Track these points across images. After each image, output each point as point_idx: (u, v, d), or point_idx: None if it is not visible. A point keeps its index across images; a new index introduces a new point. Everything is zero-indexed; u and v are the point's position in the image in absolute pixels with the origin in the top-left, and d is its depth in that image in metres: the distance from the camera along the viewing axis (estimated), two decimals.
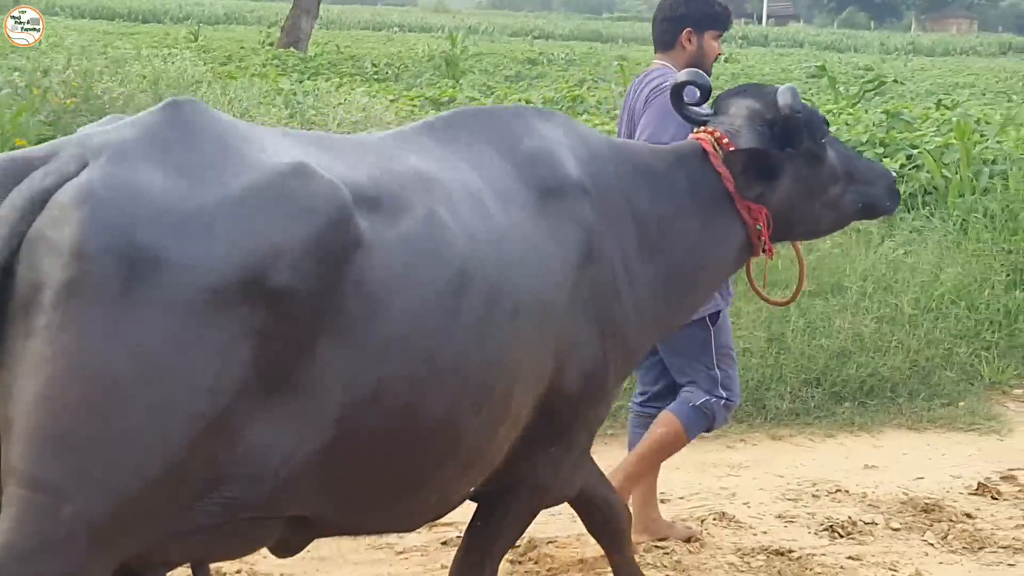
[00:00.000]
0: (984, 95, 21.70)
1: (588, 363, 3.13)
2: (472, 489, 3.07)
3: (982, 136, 10.20)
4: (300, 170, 2.49)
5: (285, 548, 2.92)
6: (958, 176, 9.08)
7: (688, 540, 4.68)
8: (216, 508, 2.48)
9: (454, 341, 2.71)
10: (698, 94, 3.59)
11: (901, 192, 3.82)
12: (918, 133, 10.47)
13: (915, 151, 9.67)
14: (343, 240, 2.50)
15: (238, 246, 2.36)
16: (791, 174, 3.51)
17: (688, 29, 4.54)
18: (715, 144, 3.50)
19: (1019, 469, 5.77)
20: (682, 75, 3.63)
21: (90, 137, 2.44)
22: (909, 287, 7.47)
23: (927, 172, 9.28)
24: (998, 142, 9.87)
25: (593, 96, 16.11)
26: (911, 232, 8.51)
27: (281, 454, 2.48)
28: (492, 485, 3.14)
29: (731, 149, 3.46)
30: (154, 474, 2.33)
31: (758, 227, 3.48)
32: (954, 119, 10.66)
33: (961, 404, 6.66)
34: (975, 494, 5.39)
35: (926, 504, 5.18)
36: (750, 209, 3.47)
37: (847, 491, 5.37)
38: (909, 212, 8.85)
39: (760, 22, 75.43)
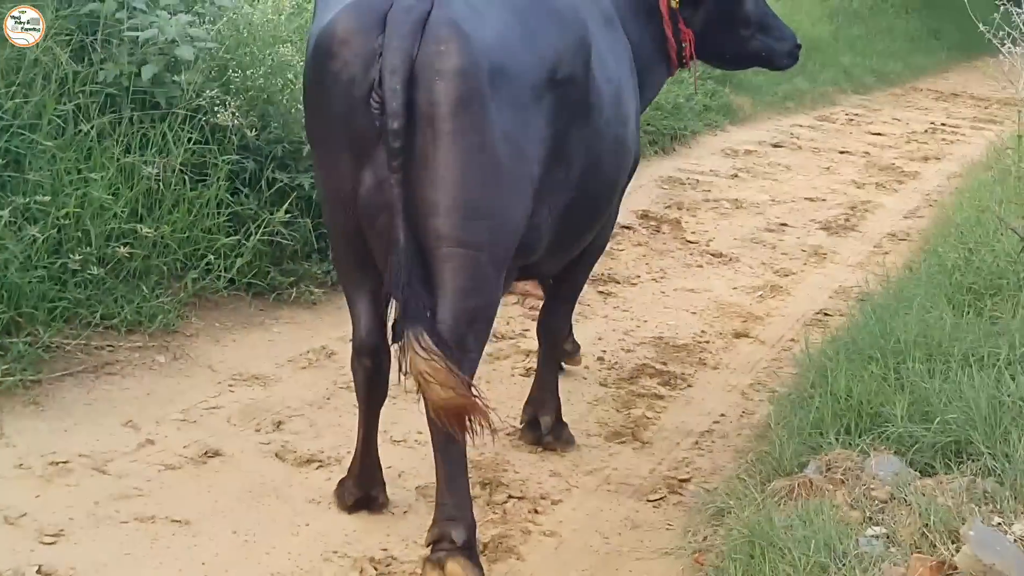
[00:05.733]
0: None
1: (637, 135, 4.09)
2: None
3: None
4: None
5: None
6: None
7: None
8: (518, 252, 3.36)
9: (619, 123, 3.77)
10: None
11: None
12: None
13: None
14: (589, 42, 3.50)
15: (542, 52, 3.29)
16: (711, 5, 4.41)
17: None
18: None
19: None
20: None
21: None
22: None
23: None
24: None
25: None
26: None
27: (552, 208, 3.46)
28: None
29: None
30: (520, 219, 3.29)
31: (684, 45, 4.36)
32: None
33: None
34: None
35: None
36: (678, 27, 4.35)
37: None
38: None
39: None
